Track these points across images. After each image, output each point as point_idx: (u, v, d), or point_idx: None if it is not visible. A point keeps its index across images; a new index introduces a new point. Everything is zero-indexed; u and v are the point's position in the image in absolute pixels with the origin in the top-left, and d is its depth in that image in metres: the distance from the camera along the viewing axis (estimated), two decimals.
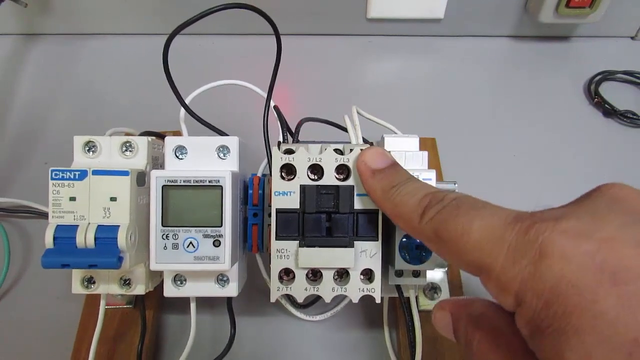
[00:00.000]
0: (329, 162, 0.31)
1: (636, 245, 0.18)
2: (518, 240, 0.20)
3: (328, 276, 0.32)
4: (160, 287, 0.36)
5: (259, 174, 0.38)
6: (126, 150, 0.36)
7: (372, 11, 0.61)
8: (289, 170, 0.32)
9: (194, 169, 0.35)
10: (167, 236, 0.33)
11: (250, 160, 0.40)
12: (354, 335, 0.43)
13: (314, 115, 0.41)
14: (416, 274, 0.34)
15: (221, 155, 0.35)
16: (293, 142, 0.38)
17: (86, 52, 0.63)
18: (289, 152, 0.32)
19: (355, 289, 0.32)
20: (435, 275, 0.42)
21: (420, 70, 0.63)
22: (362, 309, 0.44)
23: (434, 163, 0.50)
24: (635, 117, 0.57)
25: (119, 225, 0.32)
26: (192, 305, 0.37)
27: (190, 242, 0.33)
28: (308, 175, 0.32)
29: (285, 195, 0.31)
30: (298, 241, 0.31)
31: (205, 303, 0.42)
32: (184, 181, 0.33)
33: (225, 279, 0.35)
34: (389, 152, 0.35)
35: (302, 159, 0.31)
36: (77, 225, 0.32)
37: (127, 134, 0.40)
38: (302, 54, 0.62)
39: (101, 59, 0.62)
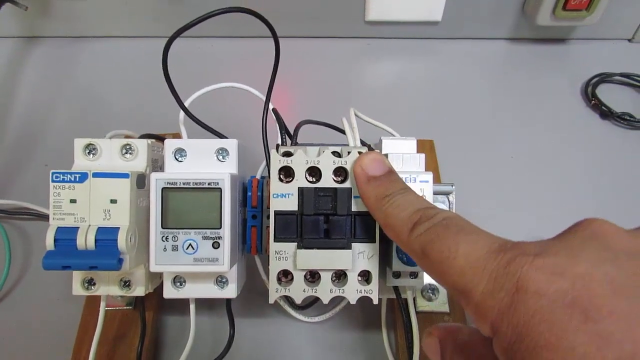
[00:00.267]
0: (327, 164, 0.32)
1: (608, 283, 0.19)
2: (499, 272, 0.21)
3: (326, 278, 0.32)
4: (160, 288, 0.37)
5: (258, 176, 0.38)
6: (126, 153, 0.36)
7: (370, 14, 0.62)
8: (287, 173, 0.32)
9: (194, 171, 0.35)
10: (166, 238, 0.33)
11: (250, 162, 0.40)
12: (353, 336, 0.43)
13: (312, 117, 0.41)
14: (413, 275, 0.35)
15: (220, 157, 0.36)
16: (292, 144, 0.38)
17: (86, 54, 0.63)
18: (287, 154, 0.32)
19: (352, 291, 0.32)
20: None
21: (418, 73, 0.63)
22: (361, 310, 0.44)
23: (432, 165, 0.50)
24: (632, 119, 0.57)
25: (119, 227, 0.33)
26: (192, 307, 0.37)
27: (190, 244, 0.33)
28: (306, 177, 0.32)
29: (283, 198, 0.32)
30: (296, 243, 0.31)
31: (205, 304, 0.43)
32: (184, 183, 0.33)
33: (224, 280, 0.36)
34: (387, 156, 0.35)
35: (300, 161, 0.32)
36: (78, 227, 0.33)
37: (127, 137, 0.40)
38: (300, 57, 0.63)
39: (101, 62, 0.63)
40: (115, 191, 0.33)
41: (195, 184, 0.33)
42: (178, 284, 0.36)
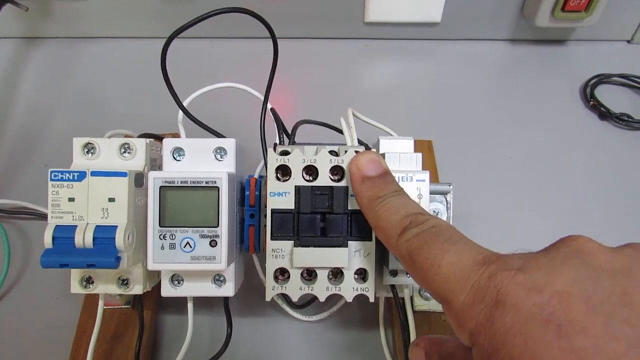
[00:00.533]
0: (324, 163, 0.32)
1: (585, 301, 0.19)
2: (480, 284, 0.21)
3: (322, 276, 0.32)
4: (158, 287, 0.37)
5: (256, 176, 0.39)
6: (125, 152, 0.36)
7: (369, 15, 0.62)
8: (284, 171, 0.32)
9: (192, 170, 0.35)
10: (164, 236, 0.33)
11: (248, 163, 0.41)
12: (350, 335, 0.43)
13: (311, 118, 0.41)
14: None
15: (218, 157, 0.36)
16: (289, 144, 0.38)
17: (86, 55, 0.63)
18: (285, 153, 0.32)
19: (349, 289, 0.32)
20: None
21: (417, 74, 0.63)
22: (358, 309, 0.44)
23: (430, 165, 0.50)
24: (630, 119, 0.57)
25: (117, 226, 0.33)
26: (190, 305, 0.37)
27: (187, 242, 0.33)
28: (303, 176, 0.32)
29: (280, 196, 0.32)
30: (293, 241, 0.32)
31: (203, 304, 0.43)
32: (181, 182, 0.33)
33: (221, 279, 0.36)
34: (384, 156, 0.35)
35: (297, 160, 0.32)
36: (76, 226, 0.33)
37: (126, 136, 0.40)
38: (299, 58, 0.63)
39: (101, 63, 0.63)
40: (113, 190, 0.33)
41: (193, 182, 0.33)
42: (176, 282, 0.36)
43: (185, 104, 0.39)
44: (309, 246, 0.31)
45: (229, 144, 0.36)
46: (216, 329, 0.42)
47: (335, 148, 0.33)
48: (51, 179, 0.33)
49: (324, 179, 0.32)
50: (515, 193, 0.52)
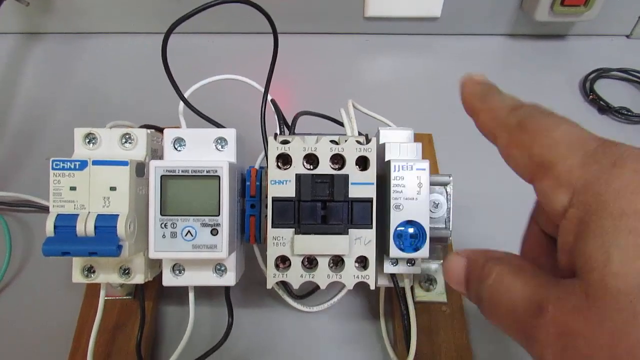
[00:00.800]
0: (324, 151, 0.32)
1: None
2: (597, 150, 0.21)
3: (323, 263, 0.32)
4: (159, 278, 0.37)
5: (257, 167, 0.39)
6: (126, 142, 0.36)
7: (369, 10, 0.62)
8: (285, 160, 0.32)
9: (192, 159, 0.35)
10: (165, 225, 0.33)
11: (248, 155, 0.41)
12: (351, 326, 0.43)
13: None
14: (411, 263, 0.35)
15: (219, 147, 0.36)
16: (289, 135, 0.39)
17: (87, 51, 0.64)
18: (285, 142, 0.32)
19: (350, 276, 0.32)
20: (431, 266, 0.43)
21: (417, 69, 0.63)
22: (359, 300, 0.44)
23: (430, 158, 0.50)
24: (629, 113, 0.57)
25: (118, 214, 0.33)
26: (191, 295, 0.37)
27: (189, 231, 0.33)
28: (303, 164, 0.32)
29: (281, 184, 0.32)
30: (294, 229, 0.32)
31: (203, 295, 0.43)
32: (182, 171, 0.33)
33: (223, 268, 0.36)
34: (384, 146, 0.35)
35: (297, 148, 0.32)
36: (78, 214, 0.33)
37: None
38: (299, 53, 0.63)
39: (102, 58, 0.63)
40: (114, 178, 0.33)
41: (194, 171, 0.33)
42: (177, 271, 0.36)
43: (185, 95, 0.39)
44: (309, 234, 0.31)
45: (229, 134, 0.36)
46: (217, 319, 0.43)
47: (335, 138, 0.33)
48: (53, 168, 0.33)
49: (325, 167, 0.32)
50: (515, 187, 0.52)
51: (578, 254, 0.20)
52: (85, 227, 0.32)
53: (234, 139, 0.36)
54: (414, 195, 0.33)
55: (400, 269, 0.35)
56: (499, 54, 0.65)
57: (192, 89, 0.40)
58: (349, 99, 0.40)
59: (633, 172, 0.19)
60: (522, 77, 0.62)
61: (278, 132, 0.38)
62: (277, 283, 0.33)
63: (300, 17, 0.64)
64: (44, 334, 0.42)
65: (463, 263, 0.25)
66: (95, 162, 0.33)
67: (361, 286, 0.32)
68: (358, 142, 0.32)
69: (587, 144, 0.21)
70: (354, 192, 0.32)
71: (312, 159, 0.32)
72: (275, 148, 0.32)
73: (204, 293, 0.43)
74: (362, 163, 0.33)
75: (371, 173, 0.32)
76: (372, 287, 0.32)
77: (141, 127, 0.38)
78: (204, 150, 0.36)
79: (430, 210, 0.35)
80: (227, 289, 0.38)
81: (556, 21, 0.62)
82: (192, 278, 0.36)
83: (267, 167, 0.32)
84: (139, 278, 0.36)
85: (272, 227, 0.32)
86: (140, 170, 0.35)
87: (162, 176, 0.33)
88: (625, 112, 0.57)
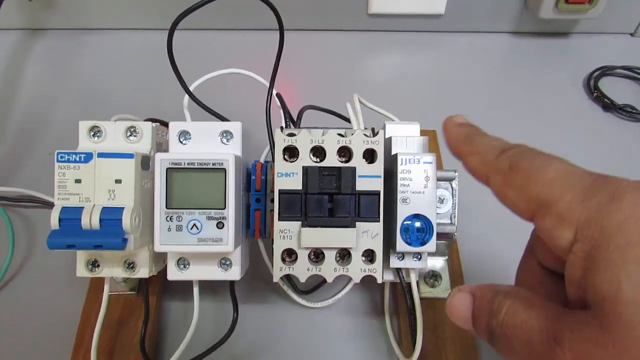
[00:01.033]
0: (331, 144, 0.32)
1: None
2: (593, 184, 0.21)
3: (330, 257, 0.32)
4: (163, 273, 0.37)
5: (262, 161, 0.38)
6: (130, 135, 0.36)
7: (373, 7, 0.62)
8: (291, 153, 0.32)
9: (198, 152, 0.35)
10: (170, 218, 0.33)
11: (253, 150, 0.40)
12: (356, 322, 0.43)
13: None
14: (417, 257, 0.35)
15: (224, 140, 0.36)
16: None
17: (90, 47, 0.63)
18: (292, 135, 0.32)
19: (357, 269, 0.32)
20: (436, 263, 0.43)
21: (420, 66, 0.63)
22: (364, 296, 0.44)
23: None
24: (634, 111, 0.57)
25: (123, 207, 0.33)
26: (195, 290, 0.37)
27: (194, 224, 0.33)
28: (310, 157, 0.32)
29: (288, 177, 0.32)
30: (300, 222, 0.31)
31: (208, 290, 0.43)
32: (188, 164, 0.33)
33: (228, 262, 0.36)
34: (390, 140, 0.35)
35: (304, 141, 0.32)
36: (83, 207, 0.33)
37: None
38: (304, 50, 0.63)
39: (105, 54, 0.63)
40: (120, 171, 0.33)
41: (200, 164, 0.33)
42: (182, 265, 0.36)
43: (190, 89, 0.39)
44: (316, 227, 0.31)
45: (235, 127, 0.36)
46: (221, 315, 0.42)
47: (342, 131, 0.33)
48: (58, 161, 0.33)
49: (332, 160, 0.32)
50: None
51: (588, 286, 0.20)
52: (91, 220, 0.32)
53: (240, 132, 0.36)
54: (420, 188, 0.33)
55: (407, 263, 0.35)
56: (503, 52, 0.65)
57: (197, 83, 0.40)
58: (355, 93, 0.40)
59: (632, 205, 0.20)
60: (526, 75, 0.62)
61: (284, 125, 0.38)
62: (281, 278, 0.33)
63: (305, 13, 0.63)
64: (47, 329, 0.42)
65: (469, 300, 0.25)
66: (100, 155, 0.33)
67: (367, 280, 0.32)
68: (365, 134, 0.32)
69: (583, 179, 0.22)
70: (361, 184, 0.31)
71: (319, 152, 0.32)
72: (282, 140, 0.32)
73: (208, 288, 0.42)
74: (370, 156, 0.33)
75: (378, 166, 0.32)
76: (380, 280, 0.32)
77: (146, 120, 0.38)
78: (209, 144, 0.36)
79: (436, 206, 0.35)
80: (232, 283, 0.38)
81: (560, 19, 0.62)
82: (197, 272, 0.36)
83: (274, 159, 0.32)
84: (143, 272, 0.36)
85: (279, 220, 0.32)
86: (146, 163, 0.35)
87: (167, 169, 0.33)
88: (630, 110, 0.57)
